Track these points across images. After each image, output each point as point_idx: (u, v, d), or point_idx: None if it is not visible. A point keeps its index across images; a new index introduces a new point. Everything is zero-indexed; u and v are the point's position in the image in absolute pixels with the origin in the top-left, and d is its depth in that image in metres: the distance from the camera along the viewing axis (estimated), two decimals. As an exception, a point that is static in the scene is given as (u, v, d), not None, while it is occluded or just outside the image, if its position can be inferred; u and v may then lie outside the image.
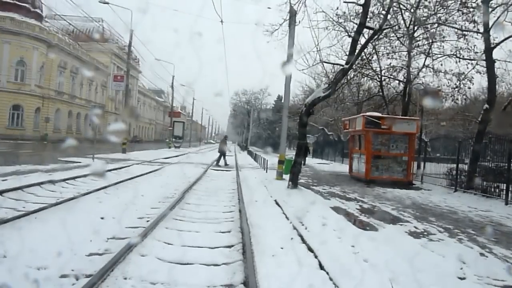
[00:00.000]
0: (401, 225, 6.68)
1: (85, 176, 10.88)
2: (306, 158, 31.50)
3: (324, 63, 10.94)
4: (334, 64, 11.83)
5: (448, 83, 18.06)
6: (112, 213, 6.38)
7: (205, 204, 7.91)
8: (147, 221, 6.11)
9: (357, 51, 9.48)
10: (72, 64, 47.66)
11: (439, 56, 16.76)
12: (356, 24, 14.17)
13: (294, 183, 9.96)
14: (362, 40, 11.22)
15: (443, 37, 15.88)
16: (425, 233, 6.08)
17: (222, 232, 5.72)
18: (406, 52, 17.56)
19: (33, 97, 39.82)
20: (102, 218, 6.16)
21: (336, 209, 7.75)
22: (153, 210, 7.00)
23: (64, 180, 9.71)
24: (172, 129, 41.26)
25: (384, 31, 13.39)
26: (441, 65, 16.36)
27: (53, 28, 46.30)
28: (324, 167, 23.36)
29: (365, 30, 10.34)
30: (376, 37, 11.75)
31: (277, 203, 7.96)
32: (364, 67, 17.33)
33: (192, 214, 6.85)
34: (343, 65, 9.15)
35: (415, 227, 6.54)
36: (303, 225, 5.87)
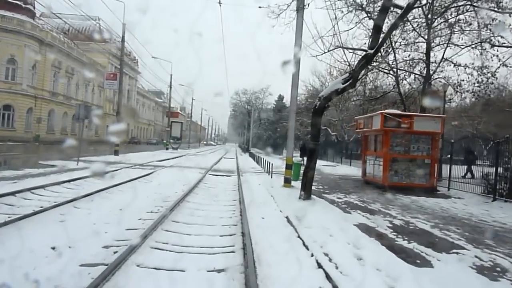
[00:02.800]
0: (457, 254, 5.01)
1: (58, 184, 9.24)
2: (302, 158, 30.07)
3: (344, 49, 9.21)
4: (354, 49, 10.15)
5: (468, 78, 16.45)
6: (70, 239, 4.73)
7: (197, 224, 6.24)
8: (115, 252, 4.45)
9: (382, 34, 7.84)
10: (67, 64, 46.12)
11: (462, 46, 15.12)
12: (373, 8, 12.57)
13: (306, 192, 8.28)
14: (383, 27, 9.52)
15: (470, 24, 14.22)
16: (499, 270, 4.41)
17: (217, 271, 4.05)
18: (424, 44, 15.93)
19: (25, 97, 38.21)
20: (53, 248, 4.50)
21: (364, 229, 6.09)
22: (128, 233, 5.35)
23: (29, 189, 8.06)
24: (169, 129, 39.57)
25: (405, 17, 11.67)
26: (472, 56, 14.70)
27: (47, 26, 44.73)
28: (330, 169, 21.67)
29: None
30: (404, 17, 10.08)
31: (289, 221, 6.29)
32: (378, 60, 15.67)
33: (179, 240, 5.18)
34: (366, 50, 7.51)
35: (477, 257, 4.87)
36: (330, 260, 4.20)
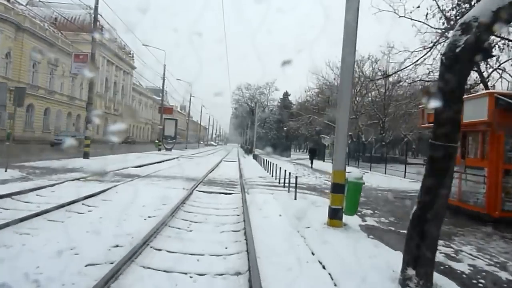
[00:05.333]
0: None
1: None
2: (314, 161, 25.16)
3: None
4: None
5: None
6: None
7: None
8: None
9: None
10: (50, 54, 41.09)
11: None
12: None
13: (422, 274, 3.19)
14: None
15: None
16: None
17: None
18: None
19: (-4, 90, 33.29)
20: None
21: None
22: None
23: None
24: (162, 127, 34.51)
25: None
26: None
27: (28, 12, 39.82)
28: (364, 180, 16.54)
29: None
30: None
31: None
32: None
33: None
34: None
35: None
36: None
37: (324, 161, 32.34)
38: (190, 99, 49.84)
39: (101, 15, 35.81)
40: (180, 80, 52.96)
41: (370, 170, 20.70)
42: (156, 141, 36.23)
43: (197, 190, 9.68)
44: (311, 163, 25.18)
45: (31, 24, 37.37)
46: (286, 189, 10.62)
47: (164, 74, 34.11)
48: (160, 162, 19.69)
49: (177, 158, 25.08)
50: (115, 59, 60.26)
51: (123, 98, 65.45)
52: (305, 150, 71.86)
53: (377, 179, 15.97)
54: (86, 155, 17.94)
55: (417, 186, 12.35)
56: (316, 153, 27.74)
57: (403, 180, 15.50)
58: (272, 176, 14.72)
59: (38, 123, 39.63)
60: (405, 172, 16.44)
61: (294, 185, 9.36)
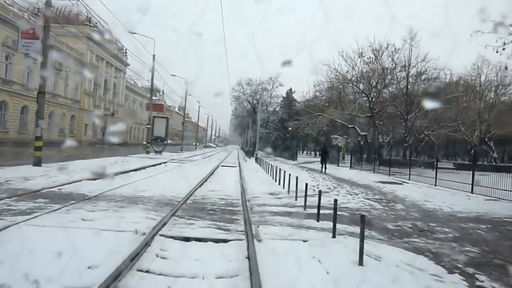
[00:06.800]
0: None
1: None
2: (327, 165, 20.75)
3: None
4: None
5: None
6: None
7: None
8: None
9: None
10: (28, 46, 36.64)
11: None
12: None
13: None
14: None
15: None
16: None
17: None
18: None
19: (-41, 84, 28.87)
20: None
21: None
22: None
23: None
24: (151, 127, 29.93)
25: None
26: None
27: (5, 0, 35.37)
28: (414, 196, 12.03)
29: None
30: None
31: None
32: None
33: None
34: None
35: None
36: None
37: (338, 165, 27.84)
38: (185, 96, 45.36)
39: (94, 13, 31.14)
40: (175, 76, 48.21)
41: (409, 179, 16.08)
42: (144, 142, 31.65)
43: (162, 235, 5.12)
44: (324, 167, 20.67)
45: (3, 10, 32.91)
46: (323, 224, 6.08)
47: (153, 66, 29.64)
48: (137, 169, 15.19)
49: (164, 163, 20.59)
50: (106, 55, 55.82)
51: (115, 97, 60.96)
52: (309, 152, 67.32)
53: (438, 196, 11.29)
54: (37, 162, 13.49)
55: (502, 207, 7.02)
56: (328, 154, 23.28)
57: (472, 197, 10.98)
58: (289, 192, 10.19)
59: (13, 123, 35.14)
60: (472, 184, 11.68)
61: (335, 213, 4.88)
